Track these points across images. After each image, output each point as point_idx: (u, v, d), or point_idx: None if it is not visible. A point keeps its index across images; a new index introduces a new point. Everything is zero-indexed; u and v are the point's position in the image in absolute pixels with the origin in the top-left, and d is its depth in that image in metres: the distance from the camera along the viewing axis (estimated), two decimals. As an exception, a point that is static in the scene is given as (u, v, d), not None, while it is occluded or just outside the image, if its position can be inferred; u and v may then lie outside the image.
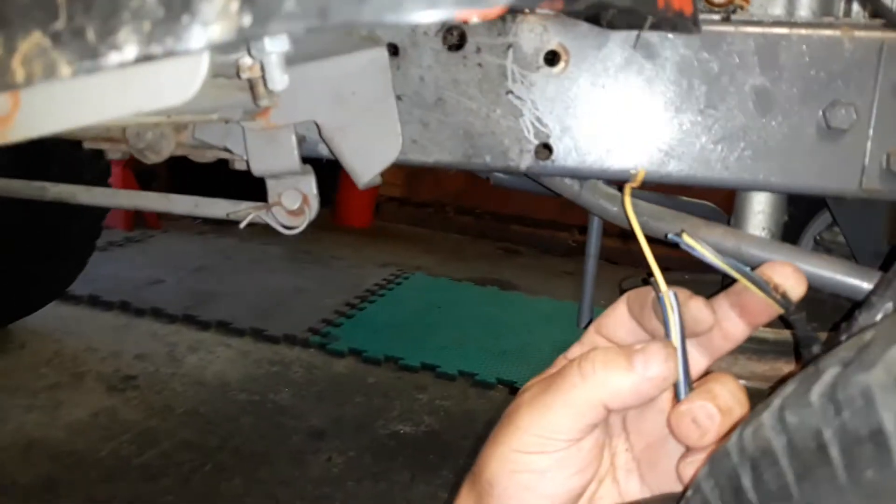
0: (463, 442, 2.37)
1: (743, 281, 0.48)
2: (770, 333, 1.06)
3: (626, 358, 0.45)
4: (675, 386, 0.47)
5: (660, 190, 1.01)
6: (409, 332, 3.29)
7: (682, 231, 0.50)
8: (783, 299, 0.49)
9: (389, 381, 2.77)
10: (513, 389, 2.80)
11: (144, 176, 4.66)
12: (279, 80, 0.60)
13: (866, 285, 0.87)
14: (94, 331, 2.92)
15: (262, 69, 0.62)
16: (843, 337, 0.59)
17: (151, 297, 3.28)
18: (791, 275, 0.48)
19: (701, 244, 0.48)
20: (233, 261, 4.13)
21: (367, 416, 2.47)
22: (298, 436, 2.28)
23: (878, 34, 0.83)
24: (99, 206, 2.43)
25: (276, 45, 0.59)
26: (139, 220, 4.56)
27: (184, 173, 2.49)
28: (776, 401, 0.52)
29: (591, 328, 0.54)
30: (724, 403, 0.45)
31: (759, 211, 1.10)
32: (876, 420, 0.38)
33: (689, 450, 0.48)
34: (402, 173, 6.08)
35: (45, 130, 0.49)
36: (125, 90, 0.46)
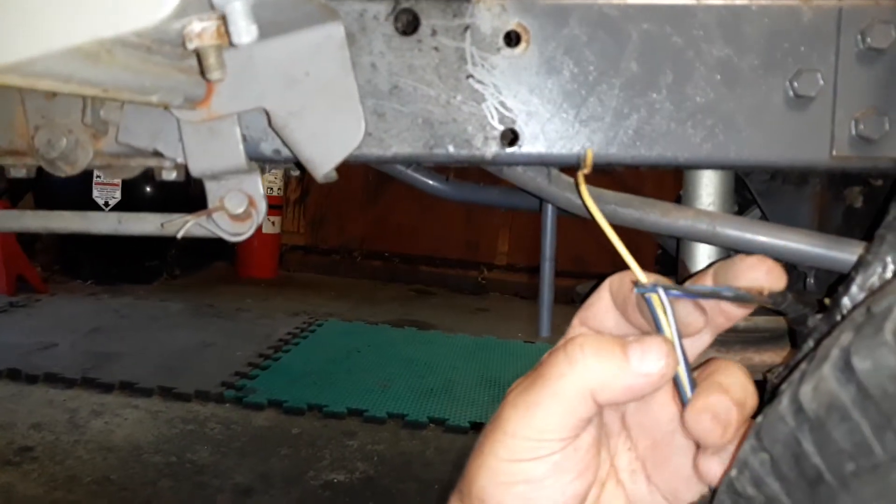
0: (401, 485, 2.26)
1: (729, 304, 0.45)
2: (739, 322, 1.04)
3: (622, 348, 0.40)
4: (676, 383, 0.42)
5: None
6: (330, 378, 3.15)
7: (654, 287, 0.42)
8: (770, 298, 0.45)
9: (315, 430, 2.62)
10: (446, 427, 2.71)
11: (26, 238, 4.35)
12: (246, 30, 0.51)
13: (847, 256, 0.86)
14: (-20, 403, 2.63)
15: (224, 24, 0.53)
16: (845, 301, 0.56)
17: (44, 363, 3.00)
18: (766, 276, 0.44)
19: (671, 294, 0.42)
20: (130, 320, 3.88)
21: (295, 468, 2.31)
22: (224, 495, 2.11)
23: (834, 1, 0.82)
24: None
25: (241, -10, 0.51)
26: (22, 284, 4.22)
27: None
28: (834, 351, 0.47)
29: (576, 321, 0.48)
30: (736, 396, 0.41)
31: (709, 203, 1.09)
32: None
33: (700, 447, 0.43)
34: (306, 221, 5.95)
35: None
36: (76, 8, 0.37)
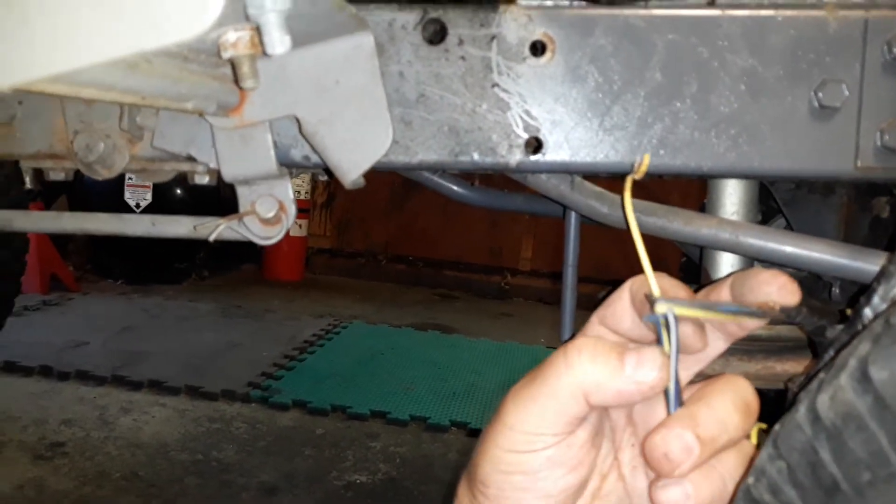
0: (423, 487, 2.27)
1: (741, 319, 0.45)
2: (762, 330, 1.04)
3: (618, 355, 0.41)
4: (667, 398, 0.42)
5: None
6: (354, 380, 3.18)
7: (654, 303, 0.42)
8: (783, 313, 0.45)
9: (339, 431, 2.65)
10: (468, 431, 2.72)
11: (60, 238, 4.44)
12: (279, 41, 0.53)
13: (871, 266, 0.86)
14: (13, 398, 2.69)
15: (259, 34, 0.55)
16: (867, 312, 0.56)
17: (75, 360, 3.06)
18: (778, 292, 0.45)
19: (680, 307, 0.42)
20: (160, 320, 3.94)
21: (319, 469, 2.34)
22: (249, 493, 2.13)
23: (861, 12, 0.83)
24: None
25: (277, 3, 0.53)
26: (55, 283, 4.31)
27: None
28: (852, 361, 0.48)
29: (594, 319, 0.49)
30: (706, 433, 0.41)
31: (733, 213, 1.09)
32: None
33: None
34: (332, 224, 6.00)
35: (19, 80, 0.41)
36: (120, 22, 0.39)
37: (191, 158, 0.87)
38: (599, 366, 0.40)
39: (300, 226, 5.42)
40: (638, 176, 0.57)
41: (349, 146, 0.78)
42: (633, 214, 0.58)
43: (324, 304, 4.59)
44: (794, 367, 1.03)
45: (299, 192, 5.36)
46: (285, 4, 0.53)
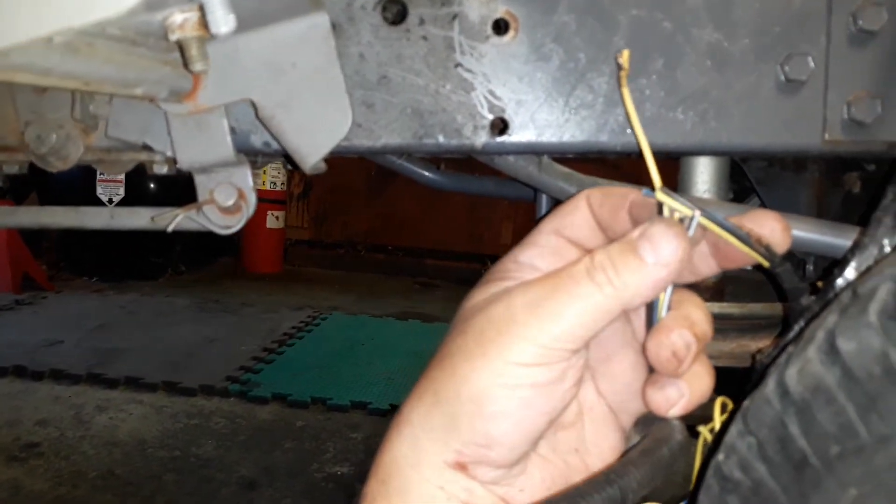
0: (405, 476, 2.26)
1: (725, 236, 0.44)
2: (735, 308, 1.03)
3: (633, 251, 0.40)
4: (650, 305, 0.43)
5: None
6: (333, 371, 3.16)
7: (658, 187, 0.44)
8: (767, 252, 0.45)
9: (319, 423, 2.63)
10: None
11: (33, 235, 4.37)
12: (224, 20, 0.51)
13: (844, 241, 0.85)
14: (-14, 400, 2.65)
15: (202, 13, 0.53)
16: (839, 282, 0.56)
17: (50, 360, 3.02)
18: (776, 229, 0.45)
19: (675, 197, 0.43)
20: (136, 316, 3.89)
21: (299, 461, 2.32)
22: (229, 488, 2.11)
23: (825, -17, 0.82)
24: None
25: (218, -20, 0.51)
26: (28, 282, 4.24)
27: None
28: (819, 333, 0.47)
29: (546, 229, 0.49)
30: (701, 331, 0.42)
31: (704, 191, 1.08)
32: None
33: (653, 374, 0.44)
34: (309, 215, 5.96)
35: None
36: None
37: (147, 147, 0.84)
38: (628, 275, 0.40)
39: (277, 217, 5.38)
40: (625, 70, 0.56)
41: (308, 130, 0.76)
42: (631, 102, 0.56)
43: (303, 296, 4.56)
44: (767, 345, 1.02)
45: (275, 184, 5.31)
46: (228, -19, 0.51)
